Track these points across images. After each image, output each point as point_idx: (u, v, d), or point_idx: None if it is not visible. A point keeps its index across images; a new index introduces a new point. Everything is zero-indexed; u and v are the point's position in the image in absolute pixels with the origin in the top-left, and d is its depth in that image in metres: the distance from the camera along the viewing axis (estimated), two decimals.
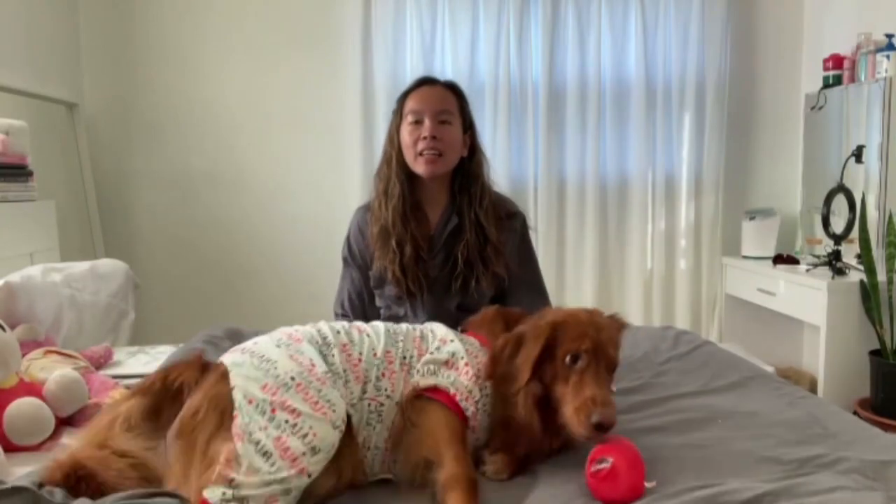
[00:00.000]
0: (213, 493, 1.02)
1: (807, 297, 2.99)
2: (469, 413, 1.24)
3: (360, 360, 1.25)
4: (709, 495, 1.07)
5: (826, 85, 3.36)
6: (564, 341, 1.23)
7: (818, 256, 3.20)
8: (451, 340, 1.35)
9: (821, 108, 3.40)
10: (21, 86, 2.79)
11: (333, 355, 1.23)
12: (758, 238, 3.52)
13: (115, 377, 2.12)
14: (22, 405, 1.68)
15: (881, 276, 2.84)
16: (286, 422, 1.08)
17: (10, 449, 1.63)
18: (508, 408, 1.26)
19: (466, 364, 1.29)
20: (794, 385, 1.79)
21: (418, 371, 1.28)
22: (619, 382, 1.66)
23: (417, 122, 1.78)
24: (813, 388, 3.13)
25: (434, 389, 1.25)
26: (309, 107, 3.51)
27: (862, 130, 3.14)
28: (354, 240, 1.93)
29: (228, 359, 1.20)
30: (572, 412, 1.18)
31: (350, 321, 1.90)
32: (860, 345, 2.88)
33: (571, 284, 3.61)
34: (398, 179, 1.81)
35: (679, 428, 1.44)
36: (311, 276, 3.43)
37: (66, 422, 1.83)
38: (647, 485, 1.13)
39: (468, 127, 1.86)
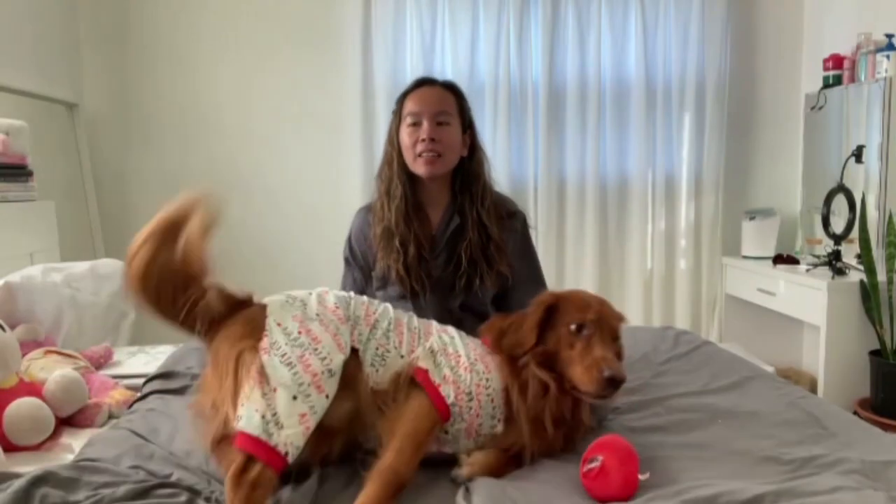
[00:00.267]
0: (249, 421, 1.08)
1: (807, 297, 2.99)
2: (450, 401, 1.25)
3: (374, 312, 1.37)
4: (709, 495, 1.07)
5: (826, 85, 3.36)
6: (569, 310, 1.31)
7: (818, 256, 3.20)
8: (452, 336, 1.38)
9: (821, 108, 3.40)
10: (21, 86, 2.79)
11: (353, 306, 1.35)
12: (758, 238, 3.52)
13: (115, 377, 2.12)
14: (22, 405, 1.69)
15: (881, 276, 2.84)
16: (309, 344, 1.18)
17: (10, 449, 1.63)
18: (520, 378, 1.29)
19: (459, 354, 1.32)
20: (794, 385, 1.79)
21: (421, 348, 1.32)
22: None
23: (416, 124, 1.78)
24: (813, 388, 3.13)
25: (425, 374, 1.27)
26: (309, 107, 3.51)
27: (862, 130, 3.14)
28: (356, 240, 1.93)
29: (269, 299, 1.30)
30: (583, 370, 1.23)
31: None
32: (860, 345, 2.89)
33: (571, 284, 3.60)
34: (400, 180, 1.81)
35: (679, 428, 1.45)
36: (311, 276, 3.38)
37: (66, 422, 1.84)
38: (641, 477, 1.14)
39: (467, 126, 1.86)
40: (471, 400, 1.26)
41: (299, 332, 1.19)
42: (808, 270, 3.07)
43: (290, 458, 1.09)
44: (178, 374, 1.82)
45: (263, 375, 1.12)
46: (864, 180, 3.09)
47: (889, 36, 3.02)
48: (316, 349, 1.18)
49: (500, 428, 1.29)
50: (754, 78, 3.70)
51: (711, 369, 1.85)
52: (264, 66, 3.48)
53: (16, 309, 2.14)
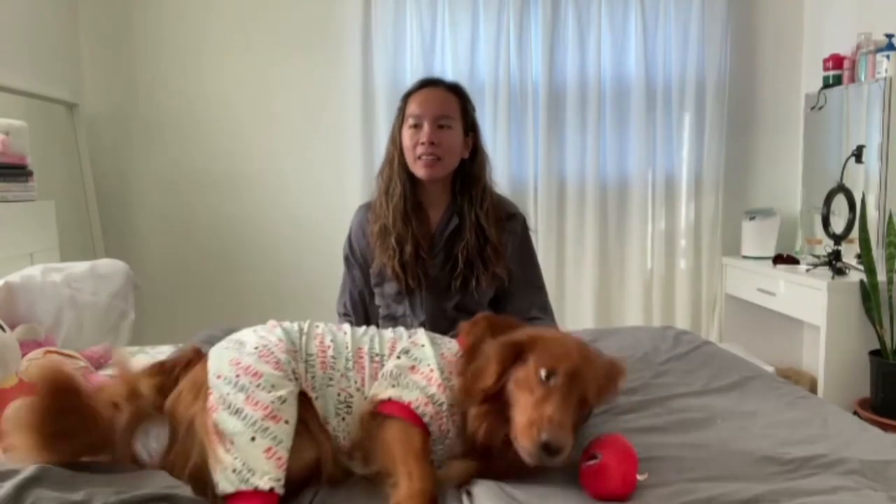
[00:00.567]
0: (226, 482, 1.09)
1: (807, 297, 3.00)
2: (427, 419, 1.20)
3: (329, 346, 1.30)
4: (708, 495, 1.08)
5: (826, 85, 3.36)
6: (545, 353, 1.16)
7: (818, 256, 3.20)
8: (423, 345, 1.32)
9: (821, 108, 3.40)
10: (21, 86, 2.79)
11: (303, 340, 1.30)
12: (758, 238, 3.52)
13: (115, 377, 2.11)
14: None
15: (881, 276, 2.84)
16: (250, 382, 1.17)
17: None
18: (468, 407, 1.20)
19: (431, 369, 1.26)
20: (794, 385, 1.79)
21: (382, 377, 1.26)
22: None
23: (417, 126, 1.78)
24: (813, 388, 3.13)
25: (390, 403, 1.22)
26: (309, 107, 3.51)
27: (862, 130, 3.14)
28: (355, 239, 1.93)
29: (212, 350, 1.29)
30: (525, 423, 1.10)
31: (352, 321, 1.91)
32: (860, 345, 2.89)
33: (571, 284, 3.61)
34: (399, 179, 1.81)
35: (679, 428, 1.45)
36: (312, 276, 3.43)
37: None
38: (640, 477, 1.13)
39: (470, 129, 1.85)
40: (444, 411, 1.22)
41: (237, 376, 1.18)
42: (808, 270, 3.07)
43: (279, 489, 1.09)
44: None
45: (220, 433, 1.13)
46: (864, 180, 3.09)
47: (889, 36, 3.02)
48: (258, 385, 1.16)
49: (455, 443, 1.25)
50: (754, 78, 3.70)
51: (711, 369, 1.85)
52: (264, 65, 3.48)
53: (16, 309, 2.13)
